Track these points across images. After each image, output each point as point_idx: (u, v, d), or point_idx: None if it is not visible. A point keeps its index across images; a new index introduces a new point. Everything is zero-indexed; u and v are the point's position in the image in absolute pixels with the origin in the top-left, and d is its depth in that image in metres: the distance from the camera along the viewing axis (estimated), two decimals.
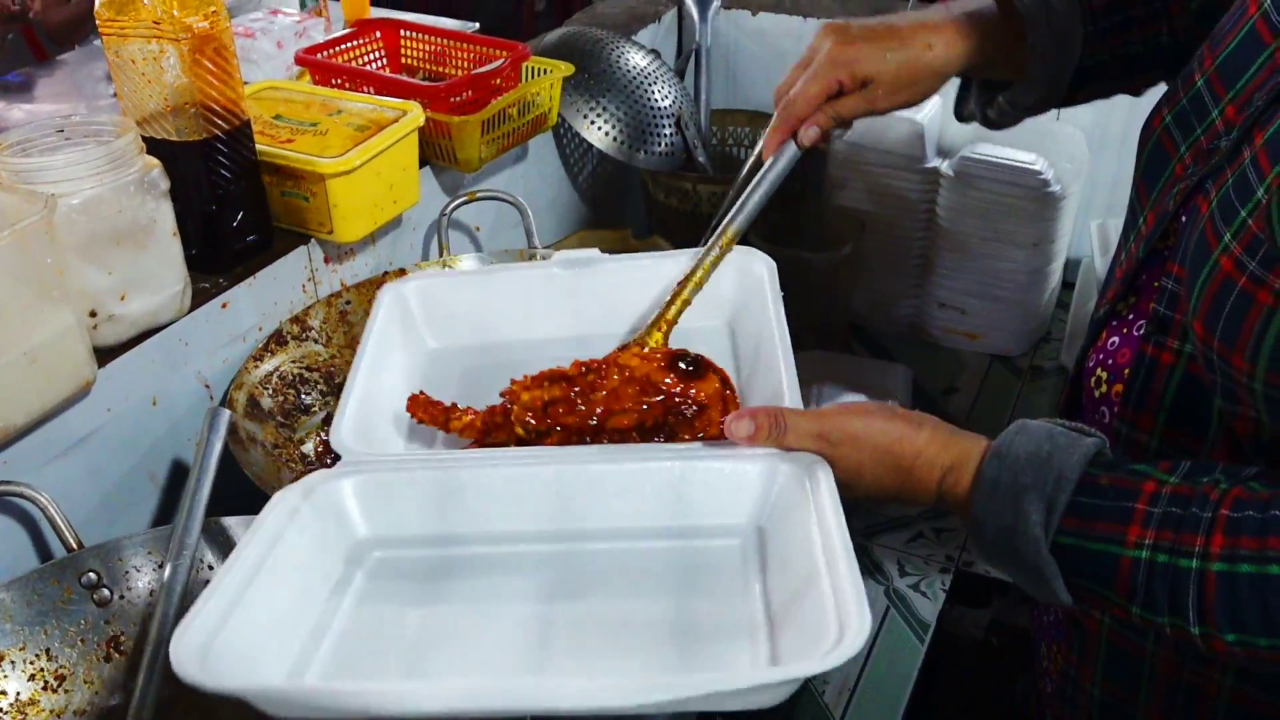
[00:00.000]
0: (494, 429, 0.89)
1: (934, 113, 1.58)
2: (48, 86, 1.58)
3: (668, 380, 0.88)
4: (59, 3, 2.86)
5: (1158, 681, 0.85)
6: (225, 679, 0.64)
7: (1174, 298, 0.76)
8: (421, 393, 0.91)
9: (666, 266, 0.99)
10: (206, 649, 0.65)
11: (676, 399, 0.87)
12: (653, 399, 0.87)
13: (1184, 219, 0.76)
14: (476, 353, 1.00)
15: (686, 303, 0.97)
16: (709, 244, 0.99)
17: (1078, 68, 0.99)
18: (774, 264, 0.97)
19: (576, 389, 0.89)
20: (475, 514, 0.82)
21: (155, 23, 0.99)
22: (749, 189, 0.99)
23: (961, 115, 1.11)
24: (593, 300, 1.01)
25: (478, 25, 3.01)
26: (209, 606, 0.68)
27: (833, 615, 0.64)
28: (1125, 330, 0.85)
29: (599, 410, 0.87)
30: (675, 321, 0.97)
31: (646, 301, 0.99)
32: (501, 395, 0.89)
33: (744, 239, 1.01)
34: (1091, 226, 1.63)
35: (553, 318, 1.01)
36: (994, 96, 1.05)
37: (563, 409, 0.88)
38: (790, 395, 0.84)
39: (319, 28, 2.73)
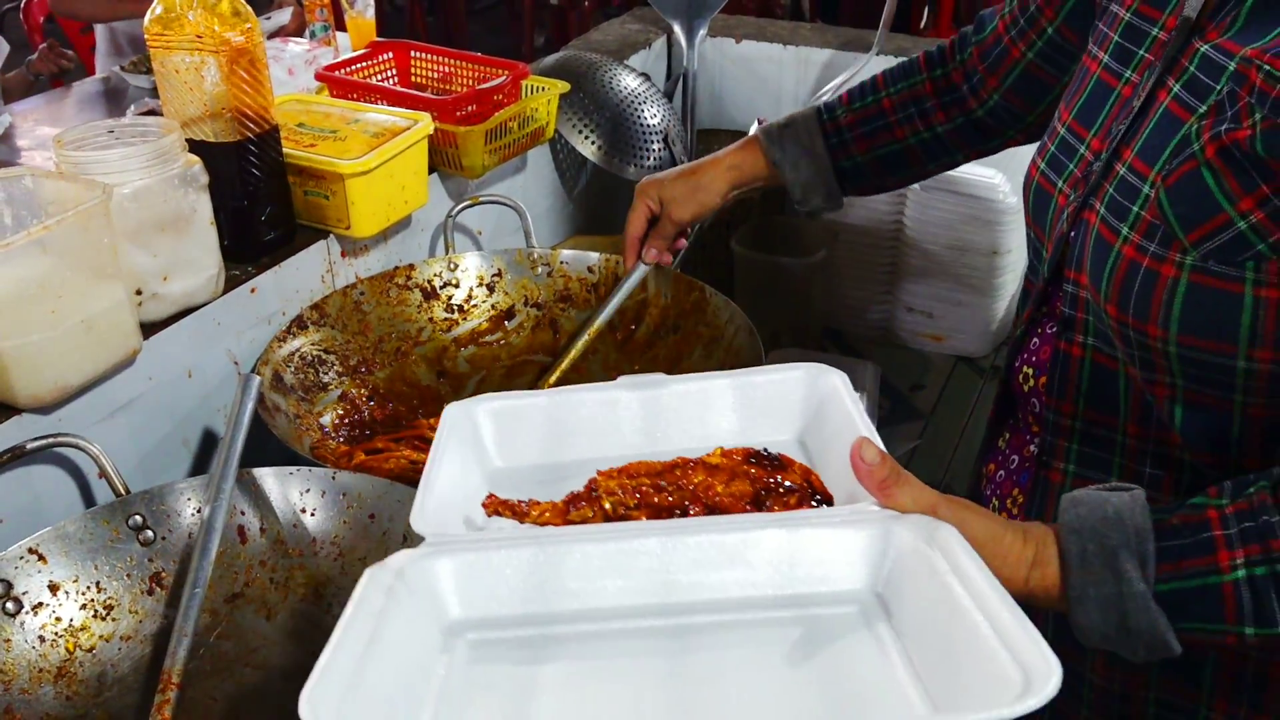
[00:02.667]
0: (577, 506, 0.86)
1: None
2: None
3: (753, 471, 0.86)
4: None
5: (1222, 671, 0.90)
6: None
7: (1075, 299, 0.89)
8: (492, 494, 0.87)
9: (732, 382, 0.97)
10: (339, 708, 0.63)
11: (767, 481, 0.84)
12: (743, 484, 0.87)
13: (1074, 235, 0.89)
14: (544, 471, 0.95)
15: (562, 371, 1.31)
16: (576, 334, 1.34)
17: (837, 169, 1.24)
18: (846, 376, 0.92)
19: (663, 481, 0.86)
20: (575, 591, 0.78)
21: (198, 37, 1.12)
22: (612, 296, 1.33)
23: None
24: (660, 420, 0.97)
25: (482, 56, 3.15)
26: (332, 673, 0.65)
27: (1008, 660, 0.60)
28: (1042, 331, 0.99)
29: (691, 489, 0.85)
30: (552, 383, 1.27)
31: (711, 420, 0.97)
32: (586, 485, 0.88)
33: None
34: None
35: (621, 438, 0.97)
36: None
37: (651, 492, 0.85)
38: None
39: (328, 56, 2.88)
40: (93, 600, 0.97)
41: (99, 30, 3.34)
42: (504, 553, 0.78)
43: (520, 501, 0.86)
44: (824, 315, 1.77)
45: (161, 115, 1.18)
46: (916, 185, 1.66)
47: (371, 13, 3.10)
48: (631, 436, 0.96)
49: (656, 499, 0.84)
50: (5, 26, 6.14)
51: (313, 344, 1.26)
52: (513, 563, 0.78)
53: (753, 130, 1.31)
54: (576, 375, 1.32)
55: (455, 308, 1.39)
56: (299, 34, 3.06)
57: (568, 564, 0.78)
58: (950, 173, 1.63)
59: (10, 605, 0.93)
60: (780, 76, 1.94)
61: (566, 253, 1.42)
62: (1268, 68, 0.72)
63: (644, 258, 1.30)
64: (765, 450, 0.87)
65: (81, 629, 0.96)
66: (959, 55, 1.19)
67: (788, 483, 0.84)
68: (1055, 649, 0.82)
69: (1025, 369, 1.01)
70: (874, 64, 1.81)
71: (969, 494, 1.15)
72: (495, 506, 0.85)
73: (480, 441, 0.96)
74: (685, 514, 0.83)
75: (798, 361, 0.96)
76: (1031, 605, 0.75)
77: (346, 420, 1.24)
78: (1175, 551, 0.73)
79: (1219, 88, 0.77)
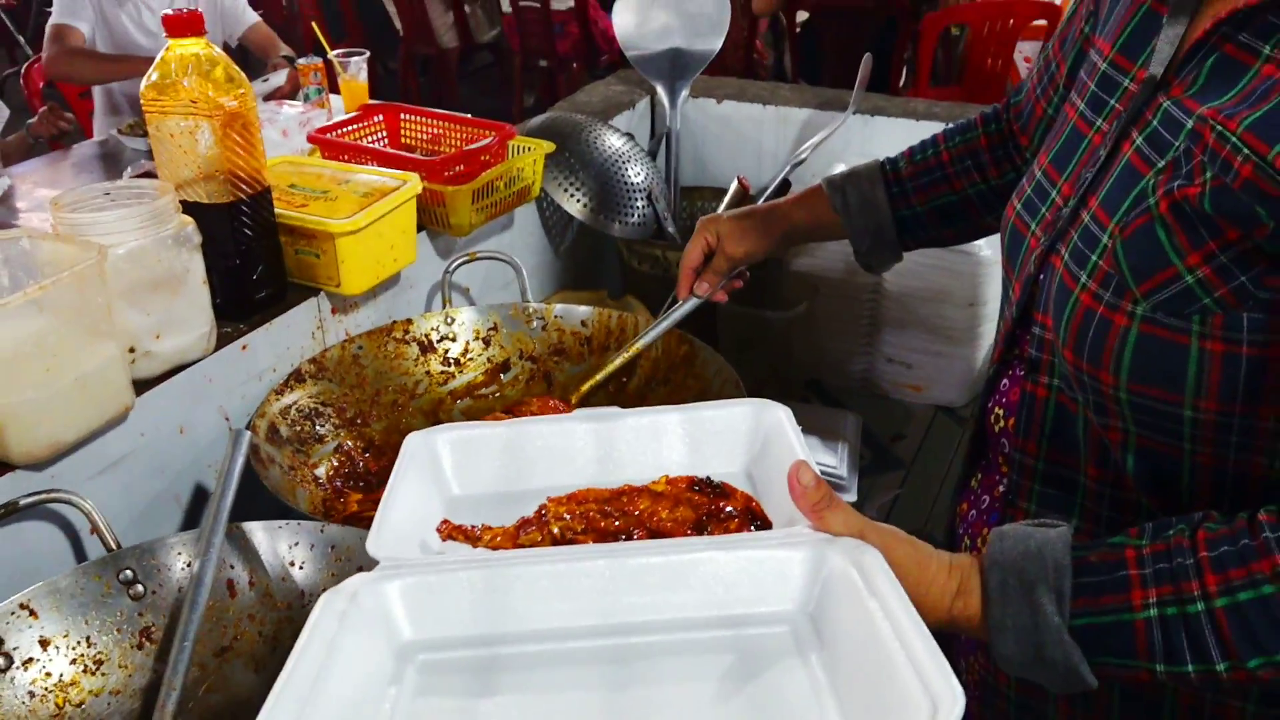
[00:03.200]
0: (527, 531, 0.89)
1: None
2: None
3: (695, 498, 0.90)
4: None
5: (1179, 713, 0.91)
6: None
7: (1041, 342, 0.91)
8: (446, 520, 0.92)
9: (683, 416, 1.00)
10: None
11: (709, 509, 0.88)
12: (686, 510, 0.89)
13: (1042, 278, 0.90)
14: (500, 499, 0.97)
15: (595, 384, 1.33)
16: (626, 347, 1.34)
17: (897, 219, 1.24)
18: (790, 411, 0.97)
19: (610, 507, 0.90)
20: (522, 612, 0.80)
21: (192, 101, 1.14)
22: (659, 322, 1.33)
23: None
24: (613, 451, 1.00)
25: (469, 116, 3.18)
26: (282, 702, 0.67)
27: (917, 688, 0.63)
28: (1012, 373, 1.00)
29: (636, 514, 0.88)
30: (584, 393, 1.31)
31: (663, 451, 1.00)
32: (536, 511, 0.91)
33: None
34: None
35: (575, 468, 0.99)
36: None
37: (598, 517, 0.89)
38: None
39: (321, 118, 2.92)
40: (83, 655, 0.97)
41: (97, 92, 3.38)
42: (454, 575, 0.80)
43: (473, 527, 0.89)
44: (806, 366, 1.78)
45: (157, 177, 1.21)
46: None
47: (364, 76, 3.15)
48: (585, 466, 0.99)
49: (603, 524, 0.88)
50: (6, 91, 6.21)
51: (310, 397, 1.27)
52: (463, 585, 0.80)
53: (788, 182, 1.35)
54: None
55: (451, 361, 1.41)
56: (293, 96, 3.10)
57: (516, 586, 0.80)
58: None
59: (1, 661, 0.93)
60: (760, 135, 1.97)
61: (560, 307, 1.44)
62: (1220, 128, 0.74)
63: (695, 290, 1.30)
64: (708, 479, 0.91)
65: (71, 684, 0.96)
66: (1006, 113, 1.21)
67: (730, 509, 0.88)
68: (1019, 689, 0.88)
69: (996, 409, 1.02)
70: (851, 122, 1.84)
71: (945, 534, 1.16)
72: (449, 532, 0.90)
73: (440, 470, 1.00)
74: (630, 538, 0.86)
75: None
76: (955, 632, 0.80)
77: (342, 471, 1.25)
78: (1092, 588, 0.75)
79: (1177, 144, 0.78)
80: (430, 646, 0.80)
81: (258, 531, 1.04)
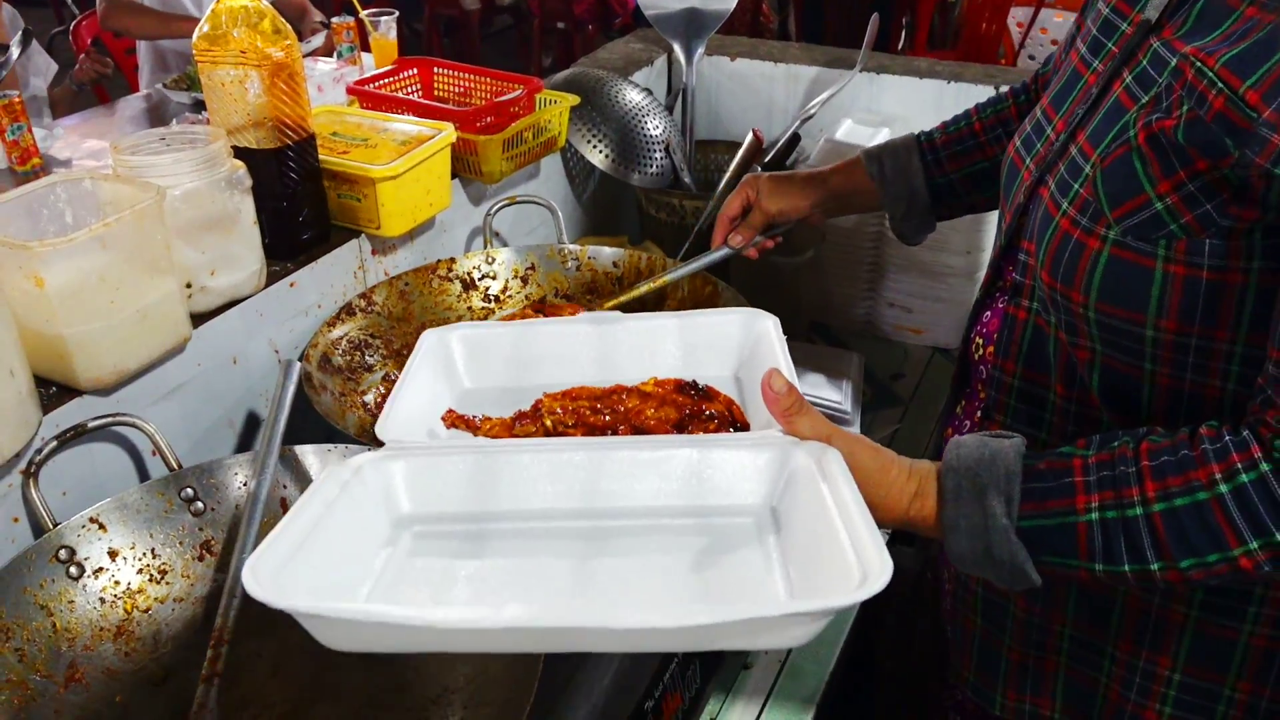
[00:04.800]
0: (522, 422, 0.92)
1: (883, 139, 1.73)
2: None
3: (680, 399, 0.91)
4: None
5: (1128, 615, 0.93)
6: (294, 599, 0.65)
7: (1025, 267, 0.92)
8: (451, 410, 0.94)
9: (680, 323, 1.03)
10: (276, 576, 0.67)
11: (691, 410, 0.90)
12: (670, 411, 0.90)
13: (1031, 207, 0.91)
14: (507, 393, 0.99)
15: (620, 303, 1.29)
16: (655, 277, 1.32)
17: (931, 186, 1.22)
18: (779, 320, 0.99)
19: (600, 404, 0.92)
20: (510, 494, 0.83)
21: (242, 52, 1.13)
22: (691, 261, 1.30)
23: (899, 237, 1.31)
24: (614, 352, 1.02)
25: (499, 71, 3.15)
26: (277, 545, 0.69)
27: (854, 561, 0.65)
28: (994, 305, 1.02)
29: (623, 412, 0.90)
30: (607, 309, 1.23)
31: (660, 354, 1.02)
32: (533, 405, 0.94)
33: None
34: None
35: (578, 367, 1.01)
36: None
37: (589, 413, 0.91)
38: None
39: (354, 74, 2.89)
40: (149, 565, 0.99)
41: (142, 48, 3.35)
42: (451, 458, 0.83)
43: (475, 417, 0.91)
44: (812, 310, 1.78)
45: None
46: None
47: (394, 34, 3.11)
48: (587, 366, 1.00)
49: (592, 419, 0.90)
50: (54, 48, 6.15)
51: (360, 329, 1.27)
52: (458, 467, 0.82)
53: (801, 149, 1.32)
54: None
55: (492, 297, 1.41)
56: (329, 55, 3.07)
57: (506, 471, 0.82)
58: None
59: (74, 570, 0.94)
60: (771, 91, 1.95)
61: (592, 248, 1.43)
62: (1199, 64, 0.74)
63: (729, 241, 1.28)
64: (693, 382, 0.93)
65: (139, 591, 0.97)
66: (1035, 84, 1.20)
67: (710, 411, 0.89)
68: (986, 587, 0.92)
69: (977, 339, 1.04)
70: (857, 80, 1.82)
71: (933, 459, 1.19)
72: (453, 421, 0.92)
73: (452, 364, 1.01)
74: (615, 434, 0.87)
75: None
76: (911, 530, 0.83)
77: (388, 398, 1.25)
78: (1039, 493, 0.77)
79: (1160, 80, 0.79)
80: (425, 520, 0.82)
81: (309, 454, 1.05)
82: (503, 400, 0.97)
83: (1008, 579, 0.79)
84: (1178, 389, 0.82)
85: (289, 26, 1.16)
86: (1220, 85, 0.72)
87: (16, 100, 2.43)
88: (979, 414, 1.03)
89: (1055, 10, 4.15)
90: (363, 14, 3.08)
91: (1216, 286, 0.77)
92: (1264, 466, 0.72)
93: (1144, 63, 0.82)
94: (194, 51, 1.14)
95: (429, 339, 1.02)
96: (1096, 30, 0.91)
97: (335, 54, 2.99)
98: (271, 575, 0.67)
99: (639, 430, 0.89)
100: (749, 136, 1.55)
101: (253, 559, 0.67)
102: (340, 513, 0.77)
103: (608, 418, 0.90)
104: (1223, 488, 0.72)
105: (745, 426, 0.90)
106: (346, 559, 0.76)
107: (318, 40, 3.19)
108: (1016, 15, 4.16)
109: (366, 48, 3.12)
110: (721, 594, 0.73)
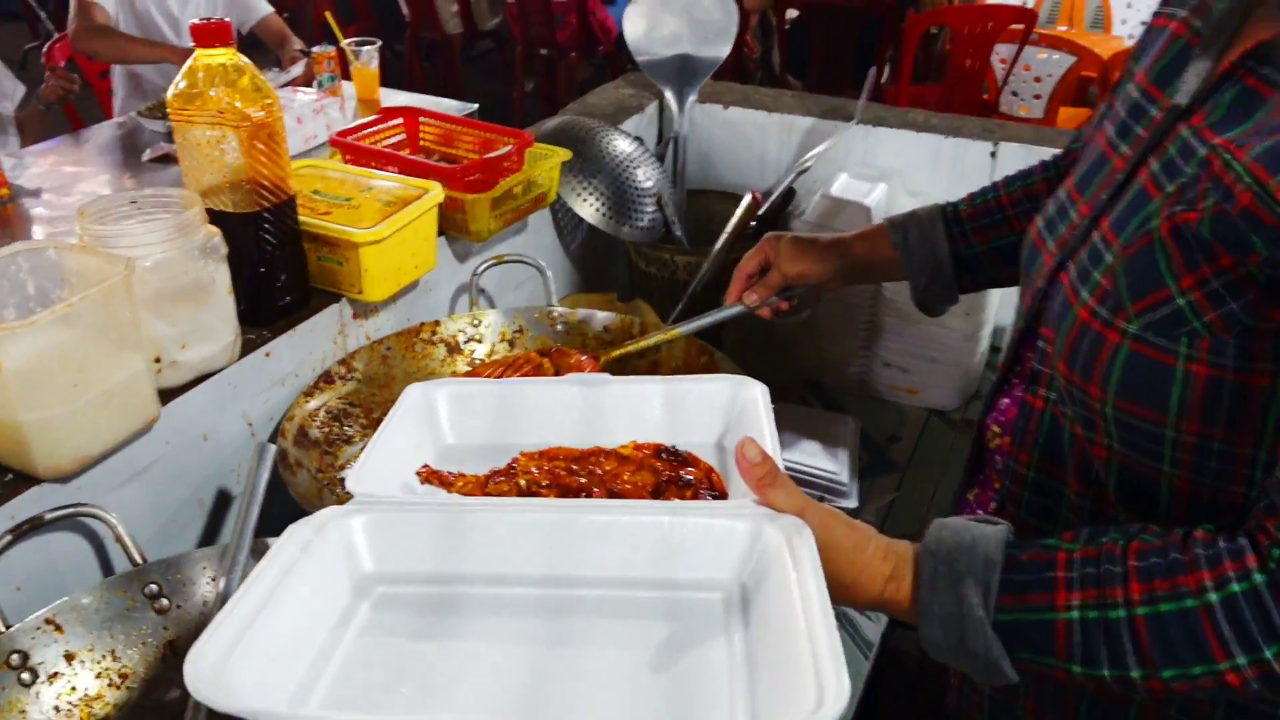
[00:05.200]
0: (496, 480, 0.90)
1: (881, 199, 1.69)
2: None
3: (658, 464, 0.90)
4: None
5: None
6: (234, 699, 0.63)
7: (1043, 355, 0.88)
8: (427, 465, 0.92)
9: (666, 388, 1.01)
10: (220, 668, 0.64)
11: (669, 476, 0.88)
12: (647, 476, 0.89)
13: (1050, 292, 0.87)
14: (490, 450, 0.97)
15: (627, 352, 1.25)
16: (664, 329, 1.27)
17: (956, 258, 1.17)
18: (767, 389, 0.97)
19: (576, 466, 0.90)
20: (476, 555, 0.81)
21: (219, 112, 1.07)
22: (704, 316, 1.26)
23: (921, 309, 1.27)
24: (599, 414, 1.00)
25: (477, 106, 3.11)
26: (223, 629, 0.67)
27: (811, 679, 0.62)
28: (1013, 394, 0.97)
29: (600, 475, 0.88)
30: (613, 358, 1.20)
31: (645, 418, 1.00)
32: (508, 464, 0.92)
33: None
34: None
35: (562, 427, 0.99)
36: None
37: (564, 474, 0.90)
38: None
39: (334, 106, 2.83)
40: (108, 669, 0.92)
41: (117, 73, 3.27)
42: (417, 514, 0.81)
43: (450, 473, 0.90)
44: (806, 368, 1.73)
45: (175, 159, 1.13)
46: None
47: (375, 64, 3.05)
48: (571, 427, 0.99)
49: (567, 479, 0.88)
50: (27, 64, 6.05)
51: (339, 398, 1.21)
52: (424, 524, 0.81)
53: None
54: None
55: (477, 362, 1.35)
56: (308, 84, 3.00)
57: (472, 530, 0.80)
58: None
59: (26, 676, 0.87)
60: (765, 141, 1.90)
61: (583, 311, 1.38)
62: (1227, 156, 0.71)
63: (745, 299, 1.24)
64: (673, 447, 0.92)
65: (96, 698, 0.90)
66: (1065, 160, 1.16)
67: (688, 477, 0.88)
68: (992, 691, 0.87)
69: (994, 427, 0.99)
70: (854, 132, 1.78)
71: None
72: (427, 476, 0.91)
73: (436, 419, 1.00)
74: (589, 495, 0.86)
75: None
76: (885, 613, 0.79)
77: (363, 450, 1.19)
78: (1019, 585, 0.73)
79: (1187, 171, 0.76)
80: (386, 579, 0.81)
81: None
82: (485, 457, 0.96)
83: (982, 672, 0.75)
84: (1198, 493, 0.78)
85: (268, 84, 1.10)
86: (1248, 179, 0.69)
87: None
88: (993, 505, 0.98)
89: (1039, 48, 4.15)
90: (344, 43, 3.02)
91: (1241, 388, 0.73)
92: (1258, 578, 0.68)
93: (1171, 152, 0.78)
94: (169, 110, 1.08)
95: (413, 393, 1.00)
96: (1125, 113, 0.87)
97: (315, 83, 2.93)
98: (215, 668, 0.64)
99: (614, 494, 0.88)
100: (746, 198, 1.50)
101: (196, 648, 0.64)
102: (298, 578, 0.75)
103: (583, 480, 0.89)
104: (1212, 596, 0.68)
105: (723, 495, 0.88)
106: (301, 637, 0.73)
107: (297, 69, 3.12)
108: (1000, 51, 4.15)
109: (347, 76, 3.06)
110: (680, 700, 0.70)
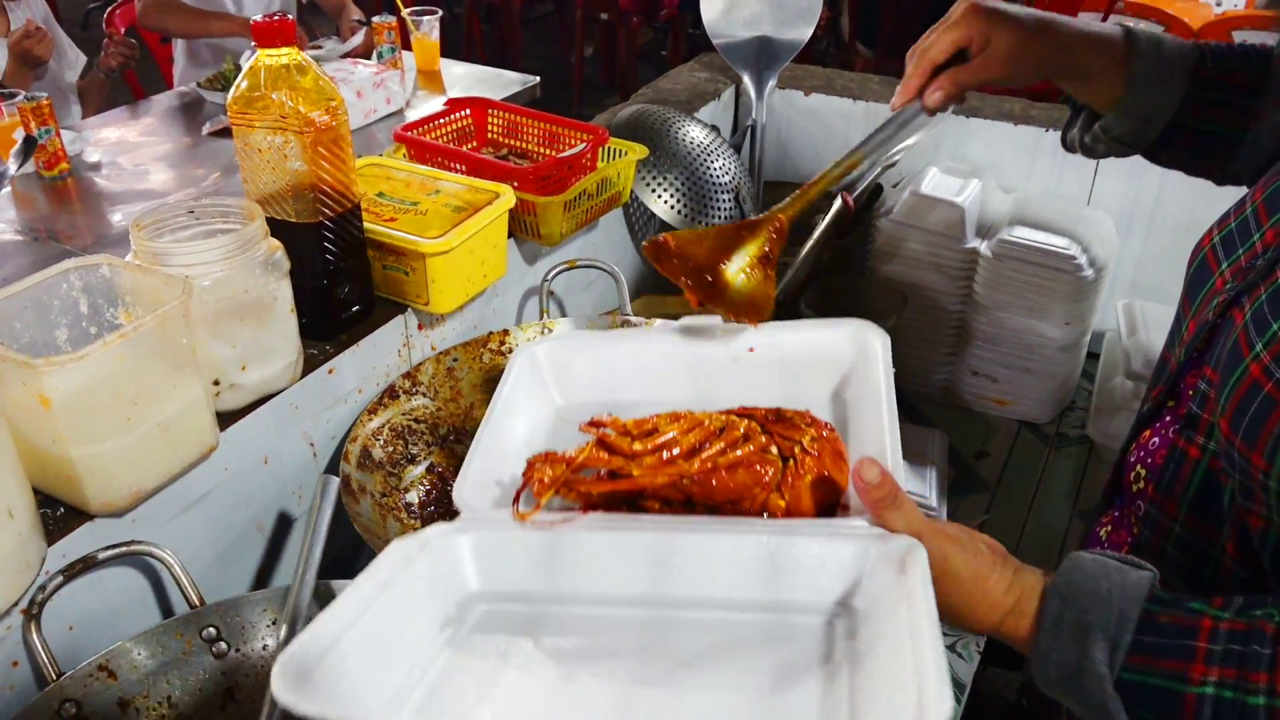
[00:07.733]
0: (643, 436, 0.83)
1: (974, 196, 1.57)
2: None
3: (765, 439, 0.83)
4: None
5: None
6: (318, 705, 0.60)
7: (1204, 398, 0.77)
8: (535, 457, 0.84)
9: (778, 335, 0.96)
10: (308, 674, 0.63)
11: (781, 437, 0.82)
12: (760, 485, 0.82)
13: (1220, 328, 0.76)
14: (599, 409, 0.92)
15: (809, 200, 1.02)
16: (838, 161, 1.02)
17: (1170, 122, 0.94)
18: (889, 339, 0.91)
19: (685, 474, 0.82)
20: (577, 575, 0.79)
21: (282, 116, 0.99)
22: (882, 129, 1.00)
23: (1065, 141, 1.05)
24: (709, 364, 0.96)
25: (538, 80, 3.01)
26: (314, 635, 0.65)
27: (913, 700, 0.59)
28: (1164, 431, 0.86)
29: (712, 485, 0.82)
30: (797, 213, 1.02)
31: (759, 366, 0.96)
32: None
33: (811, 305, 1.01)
34: (1118, 305, 1.62)
35: (671, 378, 0.96)
36: (1093, 124, 1.00)
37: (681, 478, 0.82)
38: (892, 458, 0.78)
39: (395, 79, 2.75)
40: (164, 716, 0.87)
41: (179, 43, 3.22)
42: (521, 533, 0.79)
43: (564, 467, 0.82)
44: None
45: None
46: (988, 250, 1.53)
47: (436, 34, 2.97)
48: (680, 378, 0.96)
49: (683, 482, 0.82)
50: (89, 24, 6.04)
51: (403, 414, 1.14)
52: (527, 544, 0.79)
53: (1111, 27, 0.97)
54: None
55: None
56: (367, 56, 2.93)
57: (575, 551, 0.79)
58: (1023, 239, 1.50)
59: None
60: (848, 130, 1.79)
61: (660, 321, 1.29)
62: None
63: (926, 99, 0.96)
64: (779, 411, 0.85)
65: None
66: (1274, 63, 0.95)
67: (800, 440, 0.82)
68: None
69: (1139, 468, 0.88)
70: (949, 122, 1.66)
71: (1058, 550, 1.05)
72: (533, 475, 0.83)
73: (542, 381, 0.98)
74: (693, 507, 0.81)
75: None
76: (1001, 641, 0.72)
77: (433, 494, 1.12)
78: (1152, 648, 0.66)
79: None
80: (487, 598, 0.79)
81: None
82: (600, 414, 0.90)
83: (1091, 715, 0.69)
84: None
85: (333, 85, 1.02)
86: None
87: (45, 103, 2.32)
88: (1127, 549, 0.88)
89: (1125, 17, 3.95)
90: (405, 12, 2.94)
91: None
92: None
93: None
94: (228, 113, 1.01)
95: (520, 356, 0.98)
96: None
97: (375, 55, 2.86)
98: (302, 672, 0.62)
99: (722, 501, 0.82)
100: (837, 203, 1.40)
101: (287, 651, 0.63)
102: (399, 593, 0.73)
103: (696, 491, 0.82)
104: None
105: (840, 456, 0.82)
106: (395, 652, 0.71)
107: (356, 39, 3.05)
108: (1083, 18, 3.96)
109: (408, 46, 2.98)
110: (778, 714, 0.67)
